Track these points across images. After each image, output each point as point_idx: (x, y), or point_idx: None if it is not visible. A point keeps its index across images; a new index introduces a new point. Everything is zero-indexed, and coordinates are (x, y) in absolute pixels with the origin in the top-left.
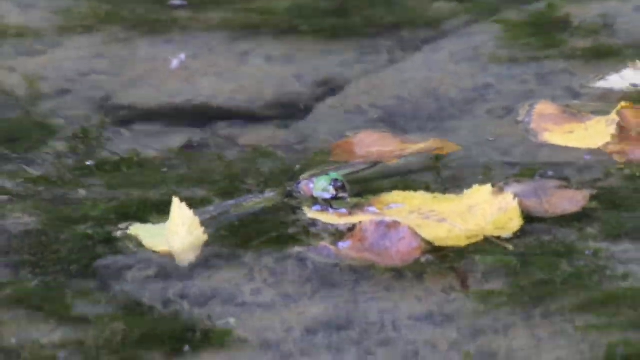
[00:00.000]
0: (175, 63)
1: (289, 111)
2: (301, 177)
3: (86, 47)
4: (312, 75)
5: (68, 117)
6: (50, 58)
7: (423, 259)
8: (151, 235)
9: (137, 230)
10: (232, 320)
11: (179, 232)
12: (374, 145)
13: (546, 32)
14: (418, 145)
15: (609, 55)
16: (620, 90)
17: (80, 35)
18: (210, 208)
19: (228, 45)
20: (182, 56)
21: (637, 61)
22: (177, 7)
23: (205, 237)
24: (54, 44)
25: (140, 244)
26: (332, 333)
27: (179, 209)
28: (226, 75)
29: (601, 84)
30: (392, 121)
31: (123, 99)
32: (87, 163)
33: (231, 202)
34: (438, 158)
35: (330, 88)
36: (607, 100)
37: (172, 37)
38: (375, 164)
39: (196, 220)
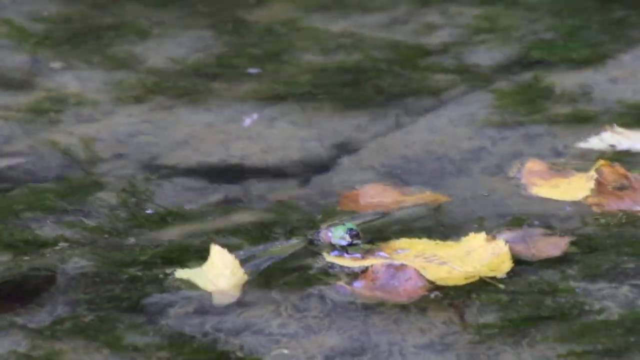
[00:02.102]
0: (247, 122)
1: (311, 169)
2: (321, 227)
3: (136, 114)
4: (330, 138)
5: (119, 174)
6: (104, 124)
7: (427, 297)
8: (194, 277)
9: (181, 273)
10: (285, 351)
11: (223, 273)
12: (377, 196)
13: (532, 100)
14: (415, 197)
15: (587, 120)
16: (599, 150)
17: (131, 104)
18: (241, 252)
19: (258, 112)
20: (255, 116)
21: (615, 125)
22: (251, 74)
23: (246, 278)
24: (108, 111)
25: (182, 285)
26: None
27: (220, 254)
28: (256, 138)
29: (583, 145)
30: (398, 177)
31: (167, 159)
32: (148, 211)
33: (260, 247)
34: (439, 210)
35: (346, 149)
36: (588, 159)
37: (209, 106)
38: (383, 214)
39: (237, 262)
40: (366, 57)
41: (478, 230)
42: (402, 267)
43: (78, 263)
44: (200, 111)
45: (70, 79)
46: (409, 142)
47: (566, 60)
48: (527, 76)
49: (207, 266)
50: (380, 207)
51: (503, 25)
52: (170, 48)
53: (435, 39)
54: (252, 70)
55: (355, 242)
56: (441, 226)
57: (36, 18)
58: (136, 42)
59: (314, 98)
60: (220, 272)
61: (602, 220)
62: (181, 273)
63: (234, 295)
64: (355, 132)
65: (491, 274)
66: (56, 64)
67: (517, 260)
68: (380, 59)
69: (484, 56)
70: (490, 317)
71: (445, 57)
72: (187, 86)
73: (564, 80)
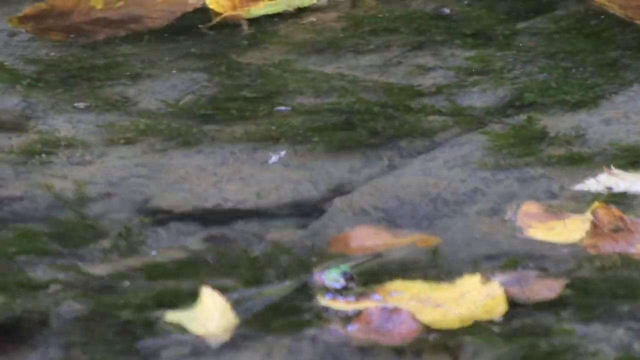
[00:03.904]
0: (274, 158)
1: (305, 211)
2: (314, 270)
3: (128, 156)
4: (324, 180)
5: (112, 218)
6: (97, 167)
7: (421, 339)
8: (184, 319)
9: (172, 315)
10: None
11: (212, 316)
12: (368, 239)
13: (526, 142)
14: (407, 239)
15: (581, 162)
16: (596, 192)
17: (123, 146)
18: (234, 294)
19: (251, 154)
20: (282, 153)
21: (612, 167)
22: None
23: (236, 321)
24: (100, 154)
25: (174, 328)
26: None
27: (210, 296)
28: (249, 180)
29: (579, 187)
30: (392, 220)
31: (160, 202)
32: (153, 253)
33: (253, 290)
34: (433, 252)
35: (340, 191)
36: (584, 201)
37: (202, 148)
38: (376, 256)
39: (227, 305)
40: (359, 100)
41: (472, 272)
42: (397, 310)
43: (72, 306)
44: (193, 154)
45: (62, 122)
46: (403, 184)
47: (560, 102)
48: (520, 118)
49: (197, 309)
50: (371, 250)
51: (496, 67)
52: (162, 90)
53: (428, 81)
54: (282, 108)
55: (349, 285)
56: (435, 268)
57: (28, 60)
58: (128, 84)
59: (307, 140)
60: (210, 315)
61: (598, 263)
62: (171, 316)
63: (224, 338)
64: (348, 174)
65: (486, 317)
66: (80, 104)
67: (512, 303)
68: (373, 101)
69: (478, 98)
70: None
71: (439, 99)
72: (179, 128)
73: (558, 122)
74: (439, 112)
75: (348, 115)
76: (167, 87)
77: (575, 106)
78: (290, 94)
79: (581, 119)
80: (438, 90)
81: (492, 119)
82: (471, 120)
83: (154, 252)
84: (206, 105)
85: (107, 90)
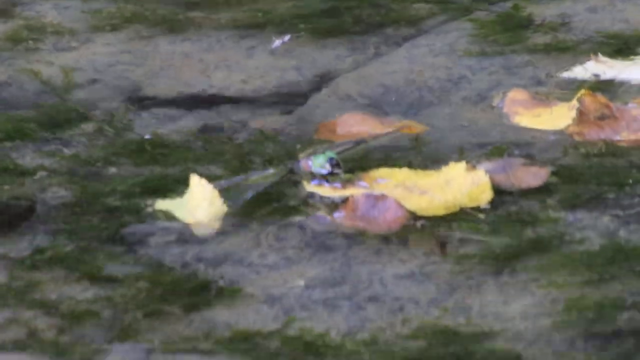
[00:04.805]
0: (277, 43)
1: (290, 98)
2: (300, 156)
3: (114, 43)
4: (310, 68)
5: (98, 103)
6: (82, 52)
7: (407, 227)
8: (173, 208)
9: (161, 203)
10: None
11: (201, 205)
12: (355, 125)
13: (511, 30)
14: (394, 126)
15: (566, 50)
16: (583, 79)
17: (109, 33)
18: (222, 182)
19: (237, 41)
20: (287, 37)
21: (599, 54)
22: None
23: (225, 209)
24: (86, 40)
25: (162, 215)
26: (328, 290)
27: (199, 184)
28: (235, 67)
29: (567, 74)
30: (378, 107)
31: (146, 88)
32: (146, 137)
33: (240, 177)
34: (418, 139)
35: (325, 78)
36: (571, 88)
37: (188, 35)
38: (362, 141)
39: (216, 193)
40: None
41: (458, 159)
42: (383, 197)
43: (57, 193)
44: (178, 41)
45: (49, 8)
46: (388, 72)
47: None
48: (506, 5)
49: (186, 197)
50: (358, 136)
51: None
52: None
53: None
54: None
55: (335, 171)
56: (421, 156)
57: None
58: None
59: (293, 27)
60: (199, 203)
61: (583, 150)
62: (160, 204)
63: (213, 226)
64: (334, 61)
65: (471, 204)
66: None
67: (498, 190)
68: None
69: None
70: (470, 248)
71: None
72: (165, 15)
73: (544, 10)
74: (425, 0)
75: (334, 3)
76: None
77: None
78: None
79: (567, 6)
80: None
81: (477, 6)
82: (457, 8)
83: (147, 136)
84: None
85: None
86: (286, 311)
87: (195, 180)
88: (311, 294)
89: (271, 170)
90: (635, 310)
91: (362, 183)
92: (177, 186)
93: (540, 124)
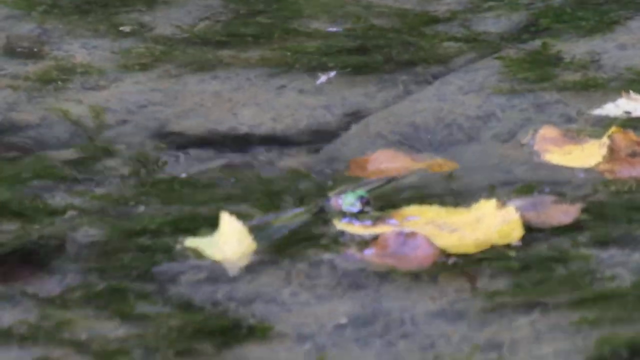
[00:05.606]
0: (322, 79)
1: (320, 137)
2: (331, 194)
3: (143, 82)
4: (339, 106)
5: (128, 143)
6: (112, 92)
7: (438, 264)
8: (203, 246)
9: (190, 241)
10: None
11: (230, 242)
12: (386, 162)
13: (541, 67)
14: (424, 163)
15: (596, 87)
16: (614, 117)
17: (138, 72)
18: (253, 221)
19: (266, 80)
20: (332, 74)
21: (631, 92)
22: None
23: (254, 246)
24: (116, 79)
25: (192, 253)
26: (360, 328)
27: (229, 222)
28: (265, 105)
29: (598, 111)
30: (408, 144)
31: (176, 127)
32: (182, 175)
33: (271, 216)
34: (449, 176)
35: (355, 116)
36: (601, 126)
37: (217, 74)
38: (392, 179)
39: (245, 230)
40: (374, 26)
41: (488, 197)
42: (413, 234)
43: (88, 232)
44: (208, 79)
45: (78, 48)
46: (418, 110)
47: (575, 28)
48: (535, 44)
49: (216, 234)
50: (388, 173)
51: None
52: (177, 16)
53: (442, 7)
54: (332, 29)
55: (365, 209)
56: (451, 193)
57: None
58: (143, 11)
59: (322, 66)
60: (228, 241)
61: (614, 187)
62: (190, 242)
63: (243, 263)
64: (364, 99)
65: (502, 242)
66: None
67: (528, 228)
68: (387, 27)
69: (492, 24)
70: (501, 285)
71: (453, 25)
72: (194, 54)
73: (573, 47)
74: (454, 38)
75: (362, 41)
76: (183, 13)
77: (590, 31)
78: (305, 20)
79: (596, 44)
80: (453, 16)
81: (506, 44)
82: (486, 46)
83: (183, 175)
84: (221, 31)
85: (122, 16)
86: (318, 349)
87: (225, 218)
88: (343, 332)
89: (302, 209)
90: None
91: (393, 221)
92: (206, 225)
93: (570, 161)
